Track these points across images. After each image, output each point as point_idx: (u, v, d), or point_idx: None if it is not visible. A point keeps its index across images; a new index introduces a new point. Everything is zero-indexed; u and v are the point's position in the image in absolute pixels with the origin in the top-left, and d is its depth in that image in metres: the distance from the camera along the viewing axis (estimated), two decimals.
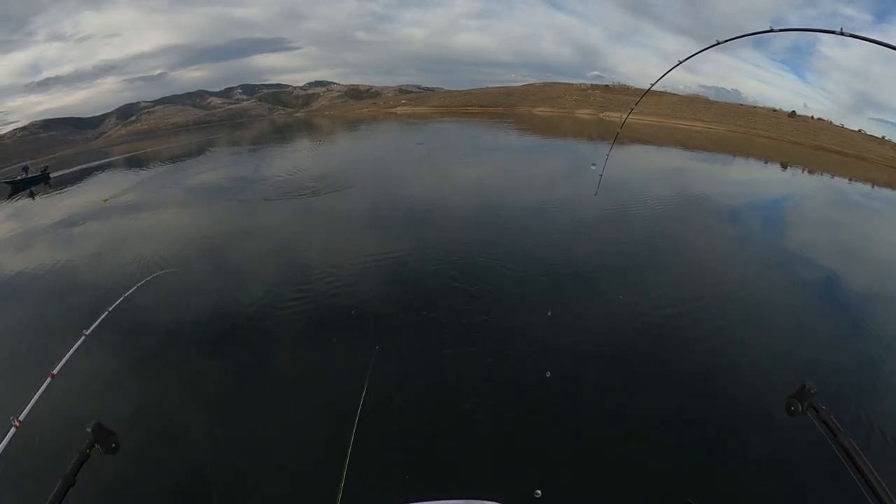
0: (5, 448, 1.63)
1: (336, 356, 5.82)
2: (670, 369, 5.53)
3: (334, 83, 61.04)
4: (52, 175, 26.16)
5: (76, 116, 56.14)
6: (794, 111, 38.28)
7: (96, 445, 1.42)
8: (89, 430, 1.43)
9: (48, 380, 2.17)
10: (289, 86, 61.41)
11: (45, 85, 54.03)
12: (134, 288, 4.11)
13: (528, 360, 5.56)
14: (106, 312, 3.21)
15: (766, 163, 27.63)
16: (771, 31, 2.80)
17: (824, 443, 1.28)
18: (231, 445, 4.59)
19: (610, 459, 4.19)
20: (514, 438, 4.46)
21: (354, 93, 60.21)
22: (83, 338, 2.74)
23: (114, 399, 5.20)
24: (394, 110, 53.90)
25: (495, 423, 4.65)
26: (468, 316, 6.69)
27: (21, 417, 1.78)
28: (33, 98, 53.09)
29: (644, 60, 55.36)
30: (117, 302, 3.47)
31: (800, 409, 1.38)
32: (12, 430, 1.70)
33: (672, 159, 25.77)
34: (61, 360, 2.39)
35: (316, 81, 61.27)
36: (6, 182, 23.47)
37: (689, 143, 31.40)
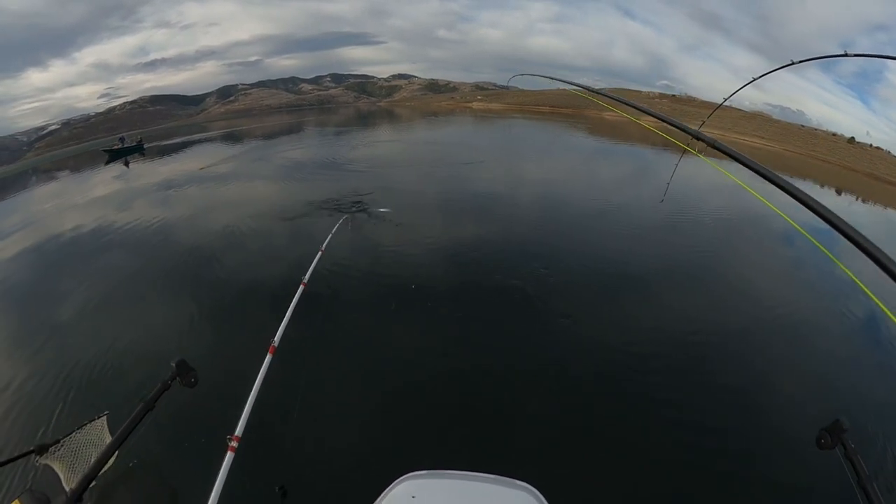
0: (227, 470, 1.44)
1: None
2: (711, 381, 5.45)
3: (415, 76, 65.98)
4: (151, 145, 29.22)
5: (180, 94, 62.56)
6: (853, 137, 38.84)
7: (178, 378, 1.54)
8: (174, 364, 1.55)
9: (269, 356, 2.04)
10: (374, 77, 66.63)
11: (152, 66, 60.97)
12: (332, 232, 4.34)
13: (575, 356, 5.62)
14: (315, 260, 2.84)
15: (822, 186, 28.67)
16: (845, 55, 2.72)
17: (847, 480, 1.23)
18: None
19: (630, 459, 4.08)
20: (547, 428, 4.49)
21: (434, 86, 64.29)
22: (302, 286, 2.57)
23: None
24: (469, 105, 57.38)
25: (534, 410, 4.67)
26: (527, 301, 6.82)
27: (238, 433, 1.59)
28: (141, 76, 60.13)
29: (713, 73, 56.46)
30: (323, 244, 3.49)
31: (829, 443, 1.37)
32: (229, 454, 1.56)
33: (733, 174, 28.19)
34: (277, 331, 2.18)
35: (399, 74, 66.23)
36: (104, 150, 26.64)
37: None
